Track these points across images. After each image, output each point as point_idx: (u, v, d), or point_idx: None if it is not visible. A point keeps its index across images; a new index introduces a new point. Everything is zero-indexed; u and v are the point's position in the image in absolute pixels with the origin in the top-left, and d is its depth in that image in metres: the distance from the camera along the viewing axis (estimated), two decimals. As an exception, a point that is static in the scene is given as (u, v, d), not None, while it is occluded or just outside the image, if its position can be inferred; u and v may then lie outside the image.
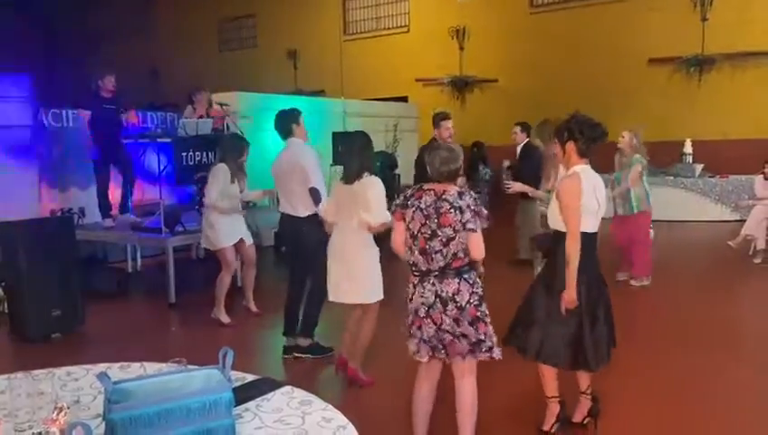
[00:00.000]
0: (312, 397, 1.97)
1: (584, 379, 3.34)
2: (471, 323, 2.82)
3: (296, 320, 4.64)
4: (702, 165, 11.38)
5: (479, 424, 3.02)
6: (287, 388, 2.05)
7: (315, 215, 4.39)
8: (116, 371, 2.21)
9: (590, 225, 3.11)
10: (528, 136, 7.50)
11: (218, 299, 5.53)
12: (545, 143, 4.99)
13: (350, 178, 3.87)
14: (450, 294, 2.81)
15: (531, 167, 7.23)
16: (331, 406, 1.90)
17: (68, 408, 1.64)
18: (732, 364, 4.40)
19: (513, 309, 3.34)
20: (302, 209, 4.45)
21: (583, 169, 3.12)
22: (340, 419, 1.82)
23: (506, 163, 7.05)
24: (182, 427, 1.65)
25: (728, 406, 3.78)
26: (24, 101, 7.18)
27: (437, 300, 2.82)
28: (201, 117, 7.17)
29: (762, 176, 7.86)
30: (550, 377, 3.25)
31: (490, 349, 2.86)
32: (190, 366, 1.95)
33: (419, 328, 2.88)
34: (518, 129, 7.56)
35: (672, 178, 11.26)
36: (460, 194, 2.84)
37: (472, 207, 2.80)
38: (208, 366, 1.89)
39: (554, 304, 3.09)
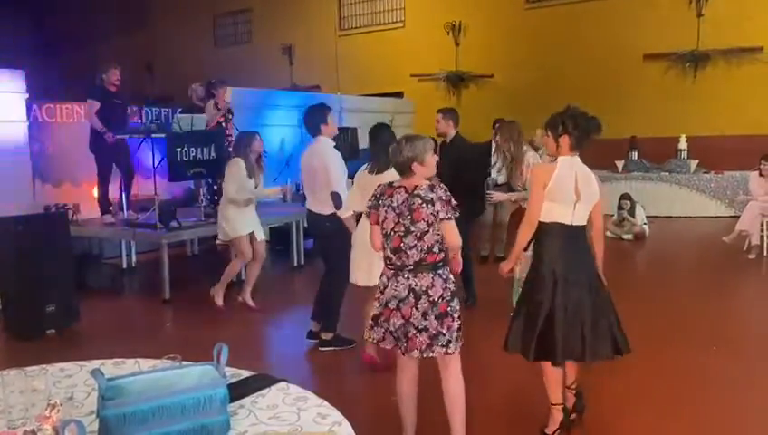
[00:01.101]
0: (308, 393, 1.97)
1: (570, 373, 3.30)
2: (437, 317, 2.83)
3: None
4: (697, 161, 11.41)
5: (478, 422, 3.01)
6: (282, 384, 2.04)
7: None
8: (110, 367, 2.20)
9: (565, 216, 3.06)
10: None
11: (223, 280, 5.62)
12: (511, 144, 4.95)
13: (380, 168, 4.00)
14: (424, 289, 2.84)
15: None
16: (326, 402, 1.90)
17: (61, 405, 1.63)
18: (726, 359, 4.41)
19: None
20: (326, 208, 4.51)
21: (565, 160, 3.09)
22: (336, 415, 1.82)
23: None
24: (176, 423, 1.65)
25: (722, 401, 3.79)
26: (18, 95, 7.12)
27: (410, 294, 2.85)
28: (224, 115, 7.20)
29: (757, 173, 7.88)
30: (554, 382, 3.20)
31: (447, 343, 2.85)
32: (185, 362, 1.95)
33: (387, 320, 2.91)
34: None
35: (667, 173, 11.30)
36: (431, 187, 2.87)
37: (443, 198, 2.84)
38: (203, 362, 1.89)
39: (533, 293, 3.12)
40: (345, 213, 4.36)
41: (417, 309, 2.84)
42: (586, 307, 3.06)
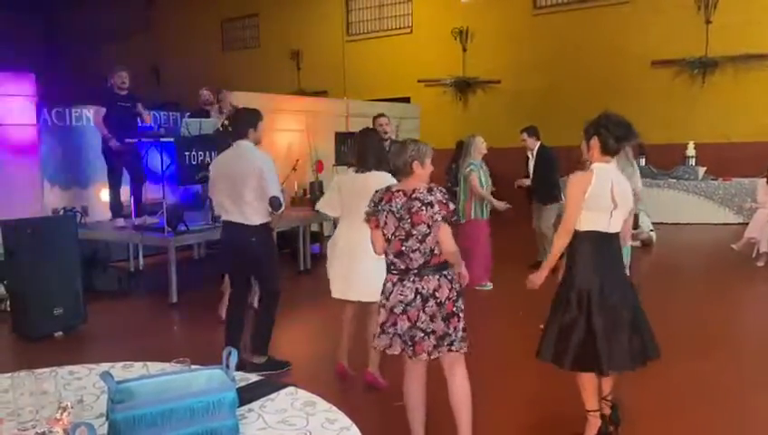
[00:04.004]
0: (316, 398, 1.97)
1: (606, 385, 3.26)
2: (444, 319, 2.85)
3: (240, 334, 4.39)
4: (705, 168, 11.36)
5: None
6: (291, 388, 2.04)
7: (267, 223, 4.22)
8: (119, 370, 2.21)
9: (602, 223, 3.03)
10: (538, 139, 7.37)
11: (225, 296, 5.51)
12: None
13: (366, 166, 3.93)
14: (431, 291, 2.84)
15: (550, 170, 7.21)
16: (334, 407, 1.89)
17: (72, 408, 1.63)
18: (737, 368, 4.39)
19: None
20: (255, 218, 4.15)
21: (600, 167, 3.05)
22: (344, 420, 1.81)
23: (525, 182, 7.25)
24: (185, 427, 1.65)
25: (732, 408, 3.77)
26: (28, 99, 7.18)
27: (418, 297, 2.85)
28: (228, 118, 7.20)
29: (764, 180, 7.84)
30: (590, 389, 3.15)
31: (452, 342, 2.87)
32: (194, 366, 1.95)
33: (394, 325, 2.91)
34: (525, 135, 7.36)
35: (675, 180, 11.26)
36: (429, 190, 2.88)
37: (441, 201, 2.84)
38: (212, 366, 1.89)
39: (567, 304, 3.04)
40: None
41: (424, 312, 2.84)
42: (624, 317, 3.01)
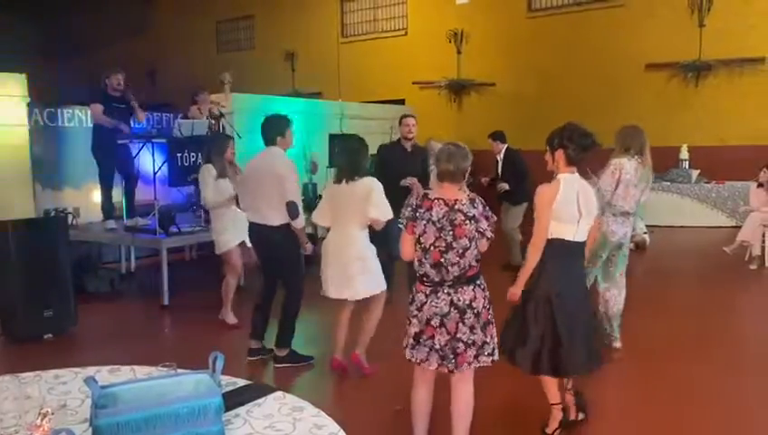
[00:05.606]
0: (304, 403, 1.95)
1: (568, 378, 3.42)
2: (483, 328, 2.84)
3: (264, 325, 4.62)
4: (698, 171, 11.39)
5: (480, 424, 3.01)
6: (279, 393, 2.02)
7: (288, 224, 4.29)
8: (105, 374, 2.18)
9: (568, 232, 3.13)
10: (504, 142, 7.60)
11: (225, 301, 5.49)
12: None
13: (348, 177, 4.02)
14: (467, 302, 2.81)
15: (517, 171, 7.43)
16: (323, 412, 1.87)
17: (53, 414, 1.61)
18: (727, 371, 4.38)
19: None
20: (275, 219, 4.28)
21: (566, 178, 3.15)
22: (333, 426, 1.79)
23: (505, 187, 7.33)
24: (170, 433, 1.63)
25: (725, 412, 3.76)
26: (20, 100, 7.13)
27: (453, 309, 2.80)
28: (207, 117, 7.16)
29: (755, 184, 7.86)
30: (550, 384, 3.31)
31: (492, 351, 2.88)
32: (180, 370, 1.92)
33: (431, 338, 2.83)
34: (490, 140, 7.66)
35: (668, 183, 11.27)
36: (472, 201, 2.82)
37: (485, 215, 2.82)
38: (198, 371, 1.87)
39: (530, 307, 3.16)
40: (301, 223, 4.27)
41: (464, 323, 2.80)
42: (580, 321, 3.16)
